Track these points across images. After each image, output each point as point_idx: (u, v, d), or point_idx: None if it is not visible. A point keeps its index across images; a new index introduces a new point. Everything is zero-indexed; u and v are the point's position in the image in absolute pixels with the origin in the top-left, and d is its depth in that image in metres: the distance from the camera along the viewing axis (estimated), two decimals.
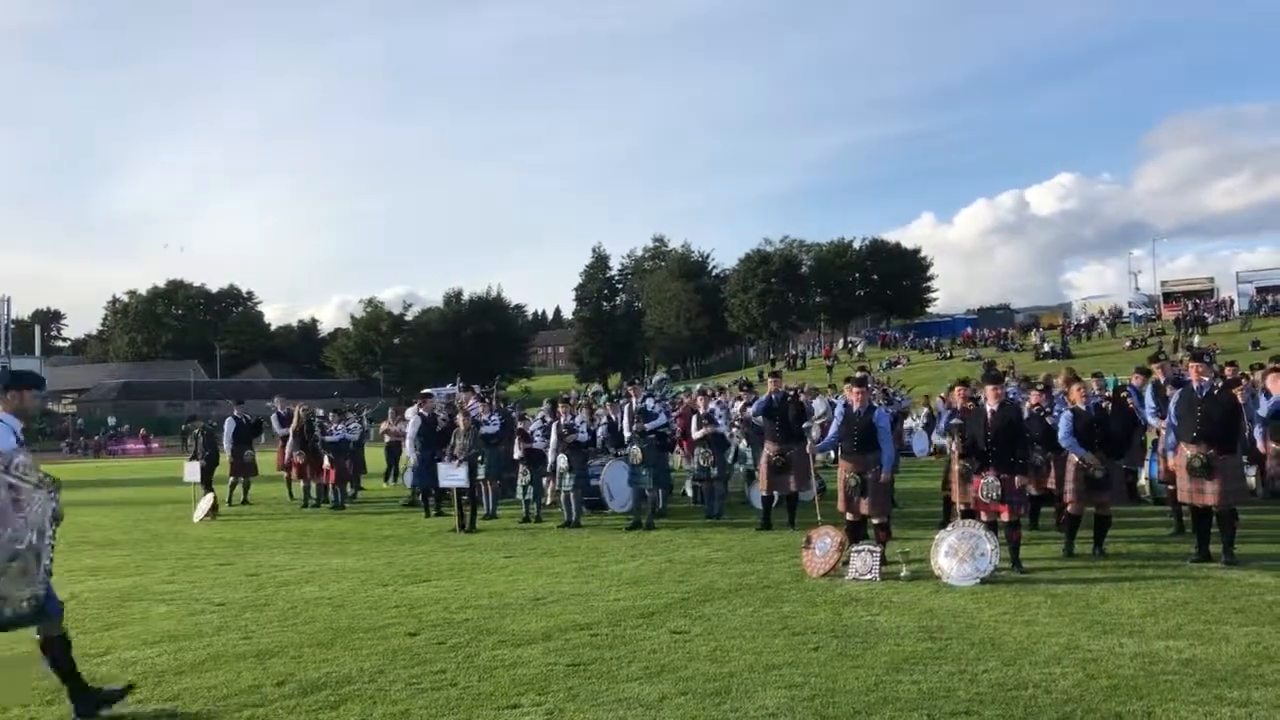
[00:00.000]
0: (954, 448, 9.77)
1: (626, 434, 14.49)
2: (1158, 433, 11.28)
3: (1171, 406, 9.97)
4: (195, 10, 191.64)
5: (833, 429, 10.82)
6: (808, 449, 11.93)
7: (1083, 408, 10.40)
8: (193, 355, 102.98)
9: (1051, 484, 11.39)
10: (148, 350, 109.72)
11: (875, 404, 11.16)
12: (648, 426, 14.10)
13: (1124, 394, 12.00)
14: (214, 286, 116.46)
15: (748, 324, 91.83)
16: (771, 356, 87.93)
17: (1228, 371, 11.79)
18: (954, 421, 10.16)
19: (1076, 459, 10.25)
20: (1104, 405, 10.87)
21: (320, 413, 19.73)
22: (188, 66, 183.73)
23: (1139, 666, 5.95)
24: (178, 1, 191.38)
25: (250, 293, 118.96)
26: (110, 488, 27.61)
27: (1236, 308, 70.71)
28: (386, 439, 22.98)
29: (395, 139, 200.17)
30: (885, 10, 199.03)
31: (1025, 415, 11.11)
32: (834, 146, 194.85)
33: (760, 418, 13.81)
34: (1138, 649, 6.34)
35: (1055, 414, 11.30)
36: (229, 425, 19.33)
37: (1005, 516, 9.42)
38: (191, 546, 13.41)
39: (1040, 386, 13.05)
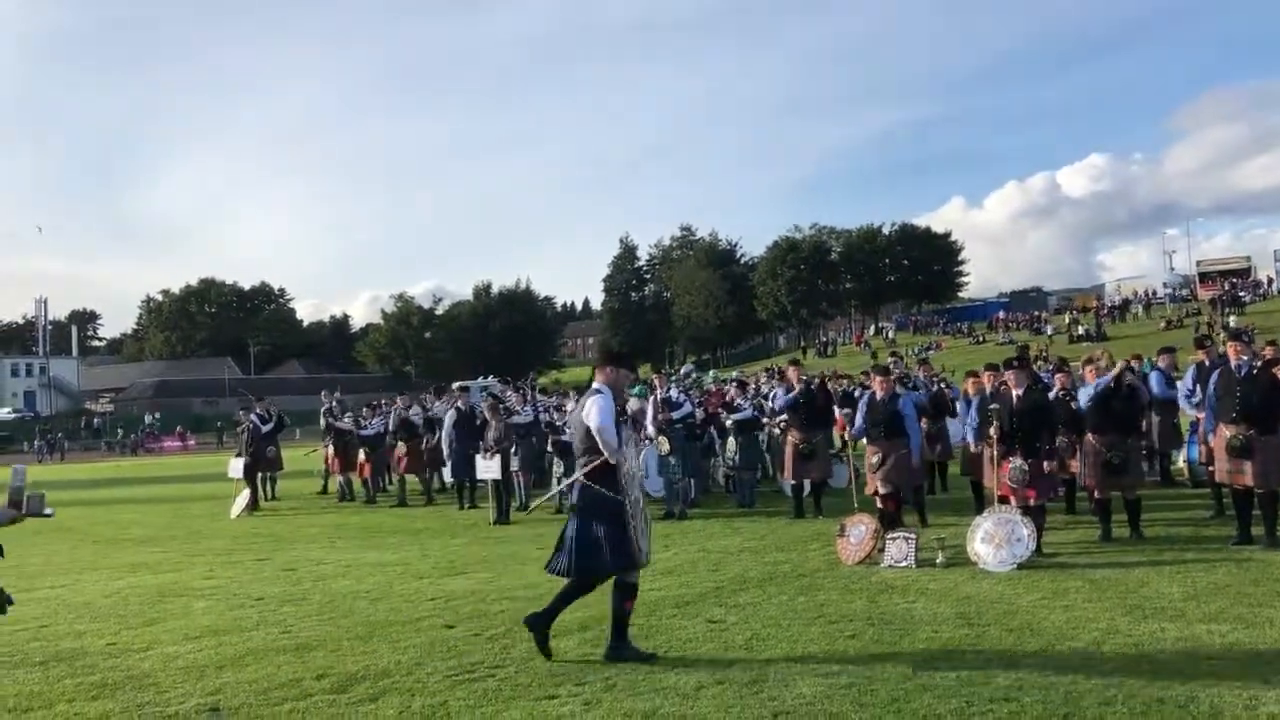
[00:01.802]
0: (992, 432, 9.69)
1: (650, 425, 14.43)
2: (1197, 416, 11.12)
3: (1210, 386, 9.83)
4: (226, 10, 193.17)
5: (859, 416, 10.83)
6: (846, 435, 11.94)
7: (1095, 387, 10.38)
8: (226, 353, 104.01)
9: (1076, 467, 11.26)
10: (182, 349, 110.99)
11: (899, 391, 11.15)
12: (674, 416, 14.08)
13: (1128, 371, 11.85)
14: (246, 284, 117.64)
15: (777, 312, 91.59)
16: (802, 344, 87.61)
17: (1268, 351, 11.59)
18: (992, 406, 10.07)
19: (1093, 441, 10.15)
20: (1110, 385, 10.67)
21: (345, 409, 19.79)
22: (219, 67, 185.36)
23: (1181, 651, 5.88)
24: (208, 2, 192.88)
25: (282, 289, 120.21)
26: (148, 485, 27.97)
27: (1275, 286, 69.67)
28: None
29: (424, 134, 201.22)
30: None
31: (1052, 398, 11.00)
32: (861, 132, 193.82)
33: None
34: (1179, 633, 6.27)
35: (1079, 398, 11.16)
36: (251, 420, 19.29)
37: (1033, 500, 9.35)
38: (229, 542, 13.55)
39: (1065, 369, 12.89)
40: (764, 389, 18.09)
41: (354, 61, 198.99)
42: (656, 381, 15.86)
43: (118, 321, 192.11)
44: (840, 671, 5.78)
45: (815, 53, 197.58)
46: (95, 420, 79.04)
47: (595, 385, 6.69)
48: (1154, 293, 75.16)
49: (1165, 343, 20.36)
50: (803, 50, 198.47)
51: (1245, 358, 9.50)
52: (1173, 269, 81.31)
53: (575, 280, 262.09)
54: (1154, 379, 12.93)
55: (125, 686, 6.17)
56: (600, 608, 7.85)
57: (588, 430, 6.36)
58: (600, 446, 6.30)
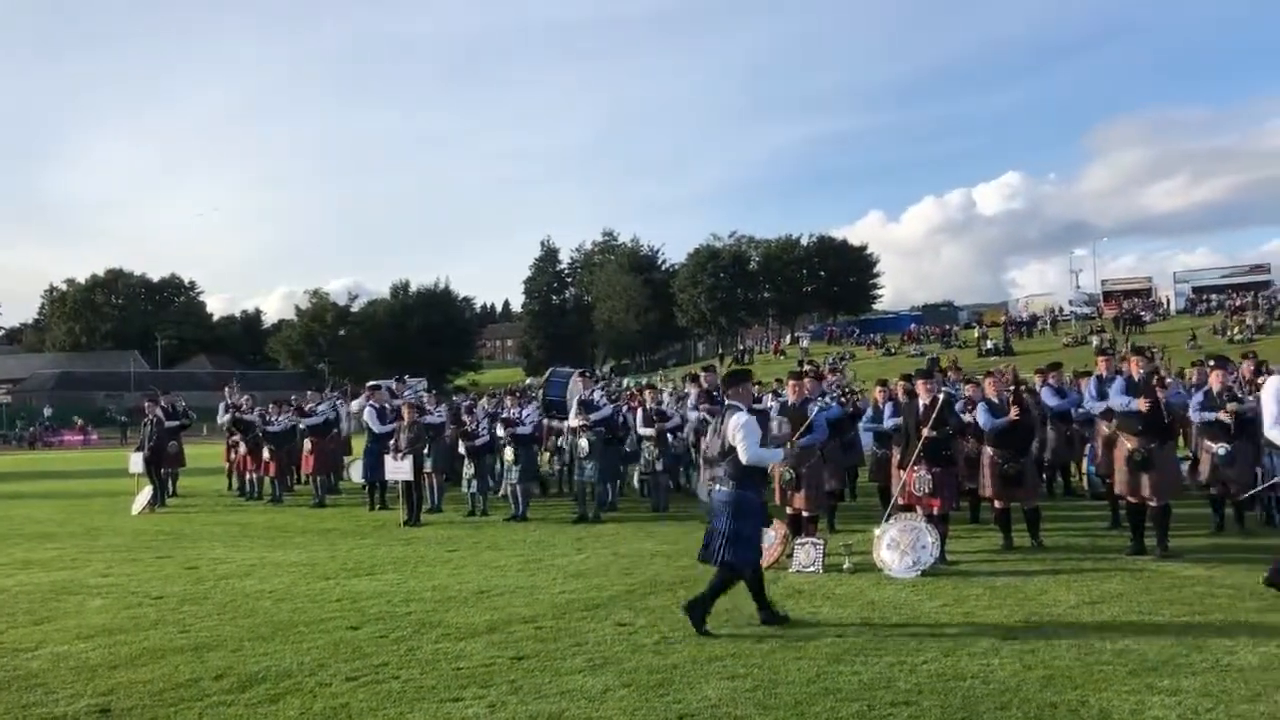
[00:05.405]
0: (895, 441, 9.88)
1: (573, 427, 14.40)
2: (1097, 415, 11.56)
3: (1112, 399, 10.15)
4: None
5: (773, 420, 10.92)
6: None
7: (996, 400, 10.66)
8: (133, 346, 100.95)
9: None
10: (86, 340, 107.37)
11: (811, 398, 11.28)
12: (593, 419, 14.07)
13: (1024, 388, 12.30)
14: (155, 276, 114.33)
15: (697, 318, 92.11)
16: (720, 351, 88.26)
17: (1162, 366, 12.06)
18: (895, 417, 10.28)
19: (990, 454, 10.43)
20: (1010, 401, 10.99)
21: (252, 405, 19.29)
22: (132, 54, 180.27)
23: (1074, 657, 6.06)
24: None
25: (192, 282, 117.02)
26: (46, 479, 27.02)
27: (1173, 306, 72.32)
28: None
29: (343, 129, 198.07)
30: (835, 7, 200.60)
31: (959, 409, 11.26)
32: (783, 143, 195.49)
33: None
34: (1074, 640, 6.46)
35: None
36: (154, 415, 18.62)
37: (937, 510, 9.55)
38: (129, 539, 13.17)
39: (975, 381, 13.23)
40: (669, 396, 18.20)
41: (274, 56, 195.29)
42: (581, 385, 15.83)
43: (17, 311, 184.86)
44: (745, 674, 5.83)
45: (737, 63, 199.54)
46: None
47: None
48: (1060, 310, 77.40)
49: (1070, 358, 21.02)
50: (724, 61, 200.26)
51: (1144, 371, 9.86)
52: (1079, 287, 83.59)
53: (496, 282, 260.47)
54: (1045, 394, 13.31)
55: (10, 686, 5.97)
56: (509, 609, 7.83)
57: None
58: None
